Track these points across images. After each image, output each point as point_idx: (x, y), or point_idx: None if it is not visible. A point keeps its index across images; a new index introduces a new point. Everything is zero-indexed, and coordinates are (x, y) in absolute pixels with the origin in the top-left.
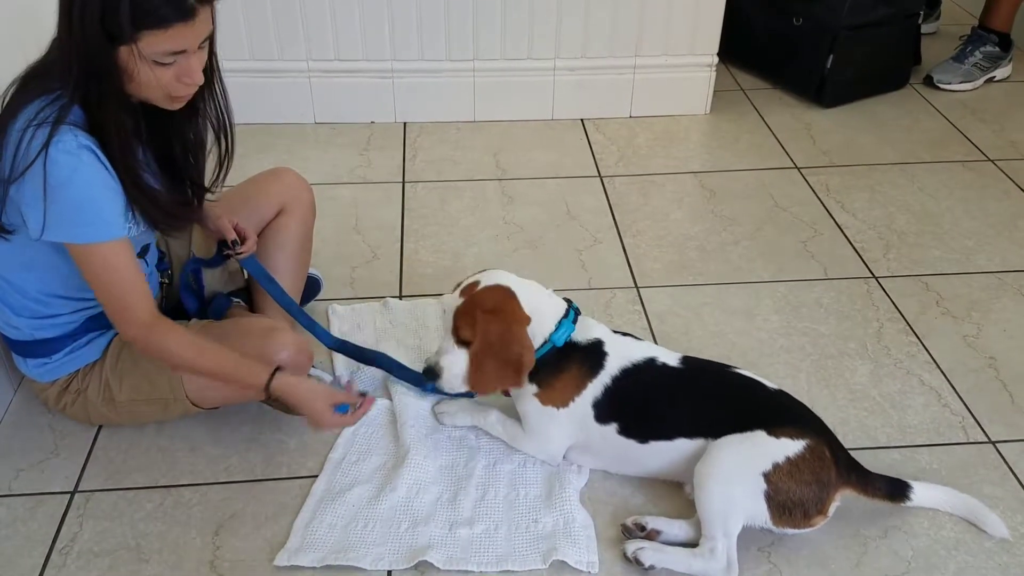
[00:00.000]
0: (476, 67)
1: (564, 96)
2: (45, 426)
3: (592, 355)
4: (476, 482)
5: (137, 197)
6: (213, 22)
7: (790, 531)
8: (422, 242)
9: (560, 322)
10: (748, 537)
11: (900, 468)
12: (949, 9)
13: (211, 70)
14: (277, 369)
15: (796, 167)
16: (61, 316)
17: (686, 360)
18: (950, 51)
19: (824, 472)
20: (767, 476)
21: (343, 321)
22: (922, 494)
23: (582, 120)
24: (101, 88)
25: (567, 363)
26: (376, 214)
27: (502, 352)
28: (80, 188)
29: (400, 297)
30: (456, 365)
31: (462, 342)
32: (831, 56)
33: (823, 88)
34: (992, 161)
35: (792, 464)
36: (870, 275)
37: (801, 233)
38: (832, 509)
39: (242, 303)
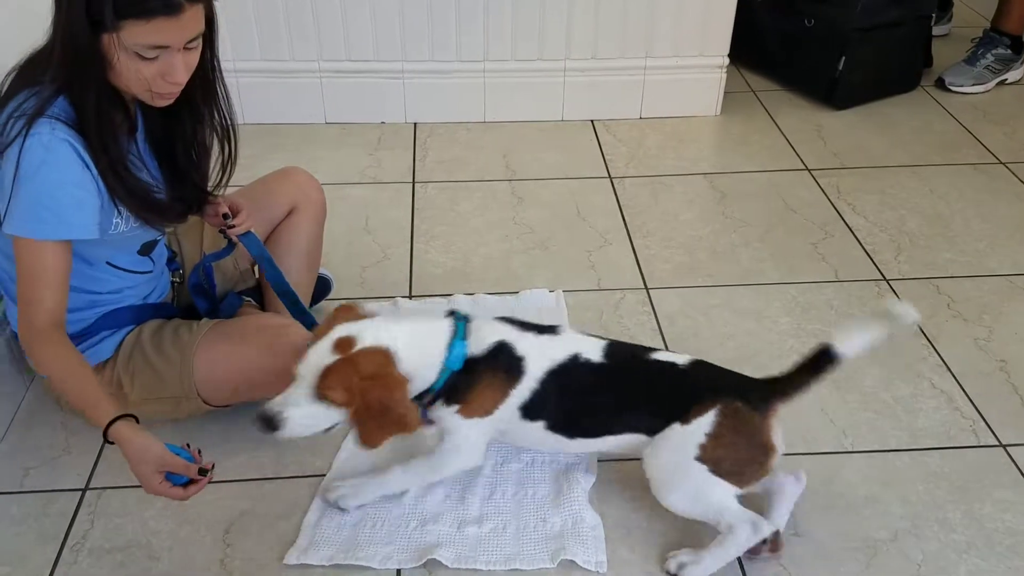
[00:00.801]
0: (487, 68)
1: (574, 97)
2: (57, 424)
3: (503, 361)
4: (484, 481)
5: (118, 191)
6: (210, 24)
7: (763, 484)
8: (432, 242)
9: (450, 345)
10: None
11: (910, 472)
12: (961, 11)
13: (212, 72)
14: (122, 417)
15: (807, 169)
16: (73, 312)
17: (607, 351)
18: (962, 53)
19: (743, 424)
20: (700, 459)
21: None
22: (846, 346)
23: (592, 121)
24: (84, 77)
25: (477, 377)
26: (386, 214)
27: (385, 416)
28: (43, 183)
29: (410, 297)
30: (306, 421)
31: (326, 399)
32: (842, 58)
33: (834, 90)
34: (1004, 164)
35: (712, 437)
36: (881, 277)
37: (812, 235)
38: (778, 440)
39: (253, 301)
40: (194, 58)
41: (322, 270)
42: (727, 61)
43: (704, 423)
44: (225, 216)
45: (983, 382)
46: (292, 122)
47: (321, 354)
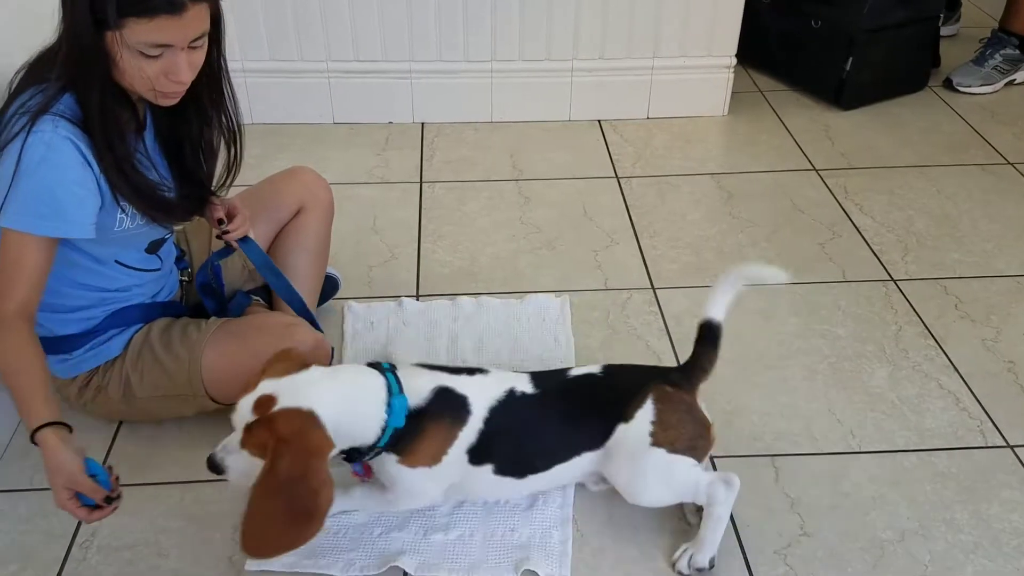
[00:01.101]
0: (494, 68)
1: (582, 97)
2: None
3: (447, 405)
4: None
5: (123, 189)
6: (216, 24)
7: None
8: (439, 242)
9: (389, 403)
10: (763, 539)
11: (917, 472)
12: (969, 12)
13: (219, 72)
14: (54, 424)
15: (814, 169)
16: (83, 310)
17: (534, 381)
18: (970, 54)
19: (678, 402)
20: (655, 444)
21: (357, 319)
22: (717, 312)
23: (599, 121)
24: (88, 75)
25: (421, 426)
26: (394, 214)
27: (294, 488)
28: (43, 179)
29: (417, 297)
30: (239, 467)
31: (252, 453)
32: (850, 58)
33: (842, 90)
34: (1012, 164)
35: (657, 423)
36: (888, 278)
37: (819, 235)
38: (707, 414)
39: (261, 300)
40: (199, 57)
41: (330, 269)
42: (735, 61)
43: (645, 413)
44: (220, 221)
45: (991, 383)
46: (300, 122)
47: (244, 411)
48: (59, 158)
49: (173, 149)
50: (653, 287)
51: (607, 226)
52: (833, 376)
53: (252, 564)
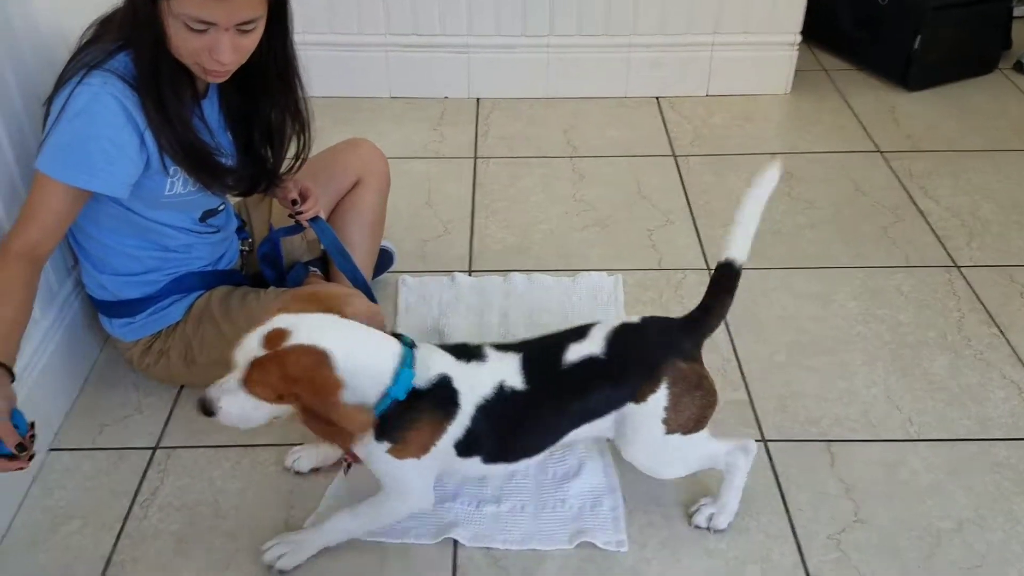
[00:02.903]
0: (551, 43)
1: (639, 73)
2: (129, 384)
3: (443, 397)
4: None
5: (172, 148)
6: (280, 15)
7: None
8: (492, 218)
9: (398, 371)
10: (816, 524)
11: (976, 462)
12: None
13: (285, 63)
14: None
15: (879, 151)
16: (146, 274)
17: (526, 370)
18: None
19: (691, 382)
20: (670, 432)
21: (411, 292)
22: (739, 252)
23: (657, 98)
24: (141, 38)
25: (416, 413)
26: (448, 189)
27: (324, 416)
28: (78, 129)
29: (469, 272)
30: (235, 409)
31: (252, 394)
32: (918, 37)
33: (909, 70)
34: None
35: (671, 408)
36: (952, 264)
37: (882, 219)
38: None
39: (318, 272)
40: (247, 42)
41: (385, 242)
42: (799, 39)
43: (659, 399)
44: (294, 202)
45: None
46: (358, 96)
47: (251, 345)
48: (99, 112)
49: (240, 126)
50: (708, 268)
51: (662, 205)
52: (893, 362)
53: (309, 524)
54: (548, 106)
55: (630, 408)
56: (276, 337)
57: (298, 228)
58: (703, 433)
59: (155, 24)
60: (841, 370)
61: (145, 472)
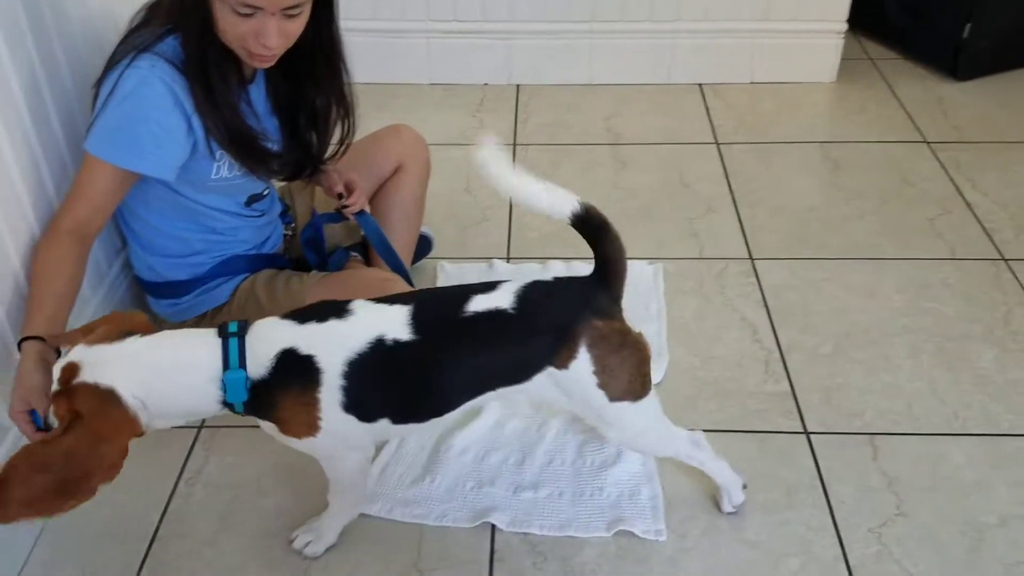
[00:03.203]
0: (593, 28)
1: (683, 60)
2: None
3: (292, 370)
4: (544, 448)
5: (218, 132)
6: (328, 2)
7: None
8: None
9: (223, 378)
10: (858, 517)
11: (1021, 457)
12: None
13: (331, 48)
14: (39, 339)
15: (926, 141)
16: (193, 256)
17: (416, 321)
18: None
19: (611, 339)
20: (615, 399)
21: (450, 278)
22: (565, 196)
23: (700, 85)
24: (189, 22)
25: (277, 398)
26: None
27: (69, 465)
28: (127, 112)
29: (508, 259)
30: None
31: None
32: (967, 25)
33: (957, 59)
34: None
35: (601, 373)
36: (999, 257)
37: (928, 210)
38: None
39: (359, 256)
40: (294, 27)
41: (424, 229)
42: (846, 27)
43: (582, 363)
44: (340, 195)
45: None
46: (398, 82)
47: (55, 375)
48: (147, 94)
49: (286, 112)
50: (751, 257)
51: (705, 193)
52: (938, 355)
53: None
54: (589, 93)
55: (560, 376)
56: (68, 372)
57: (339, 218)
58: (655, 399)
59: (202, 8)
60: (885, 363)
61: (191, 451)
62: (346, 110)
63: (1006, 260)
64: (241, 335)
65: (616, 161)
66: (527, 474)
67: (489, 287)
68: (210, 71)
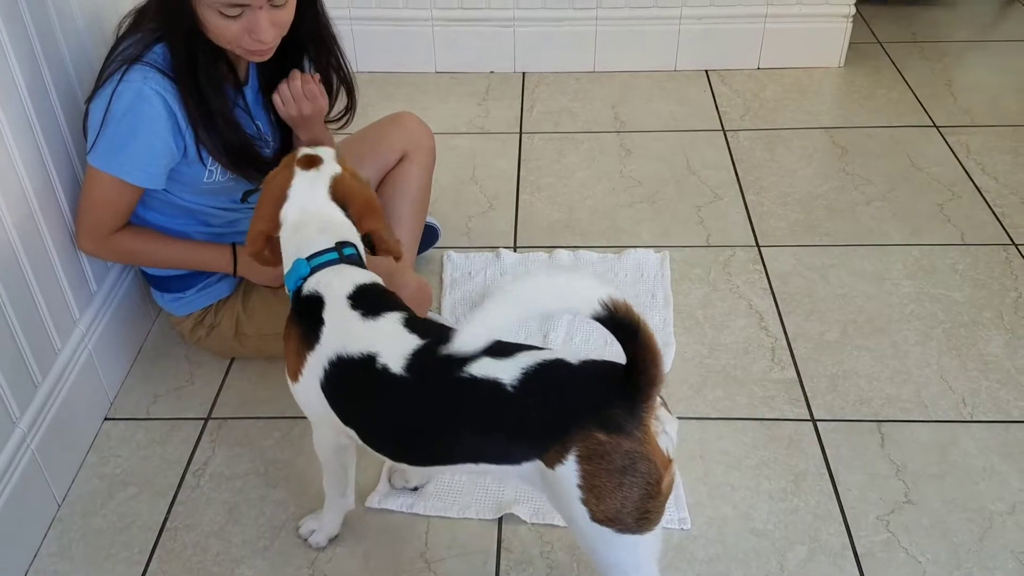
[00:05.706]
0: (599, 15)
1: (689, 46)
2: (181, 356)
3: (307, 313)
4: None
5: (211, 144)
6: None
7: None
8: (537, 193)
9: (312, 258)
10: (865, 505)
11: None
12: None
13: (319, 29)
14: (231, 249)
15: (935, 126)
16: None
17: (413, 362)
18: None
19: (611, 459)
20: (593, 516)
21: (456, 268)
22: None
23: (707, 71)
24: (176, 29)
25: (291, 319)
26: (493, 164)
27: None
28: (127, 128)
29: (515, 248)
30: None
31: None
32: None
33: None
34: None
35: (587, 490)
36: (1010, 242)
37: (937, 195)
38: (667, 442)
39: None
40: (283, 16)
41: (430, 218)
42: (854, 10)
43: (567, 472)
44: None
45: None
46: (403, 71)
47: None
48: (145, 109)
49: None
50: (758, 244)
51: (711, 180)
52: (947, 342)
53: (373, 501)
54: (595, 80)
55: (547, 472)
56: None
57: None
58: (649, 541)
59: (185, 13)
60: (894, 349)
61: (198, 442)
62: (341, 79)
63: (1016, 245)
64: (354, 259)
65: (622, 148)
66: None
67: (505, 351)
68: (201, 79)
